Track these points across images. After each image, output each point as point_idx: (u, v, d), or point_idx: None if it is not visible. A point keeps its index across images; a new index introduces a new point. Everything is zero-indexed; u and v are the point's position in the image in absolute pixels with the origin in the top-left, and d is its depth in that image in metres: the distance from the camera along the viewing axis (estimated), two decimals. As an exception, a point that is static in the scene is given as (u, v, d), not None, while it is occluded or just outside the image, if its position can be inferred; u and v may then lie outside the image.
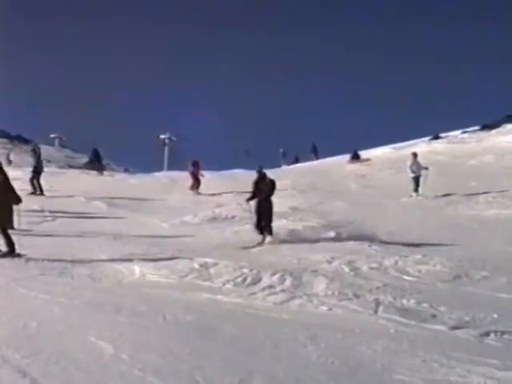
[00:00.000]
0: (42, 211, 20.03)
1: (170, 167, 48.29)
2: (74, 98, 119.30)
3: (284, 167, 45.88)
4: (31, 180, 24.46)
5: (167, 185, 30.37)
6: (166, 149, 52.39)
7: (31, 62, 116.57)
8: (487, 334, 8.13)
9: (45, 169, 27.11)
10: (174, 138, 53.37)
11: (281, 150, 57.18)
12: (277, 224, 18.10)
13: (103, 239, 15.52)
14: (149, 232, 16.90)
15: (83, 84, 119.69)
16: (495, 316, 9.11)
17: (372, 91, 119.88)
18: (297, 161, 50.97)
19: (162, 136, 53.31)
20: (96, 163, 30.50)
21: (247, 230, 17.55)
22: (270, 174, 18.26)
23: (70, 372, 5.39)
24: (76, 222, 18.58)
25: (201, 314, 8.59)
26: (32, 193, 23.83)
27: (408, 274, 12.15)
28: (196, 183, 26.88)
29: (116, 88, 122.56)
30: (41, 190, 24.24)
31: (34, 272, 11.35)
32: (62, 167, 50.85)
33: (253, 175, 18.11)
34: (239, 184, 27.55)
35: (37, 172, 24.72)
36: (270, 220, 16.70)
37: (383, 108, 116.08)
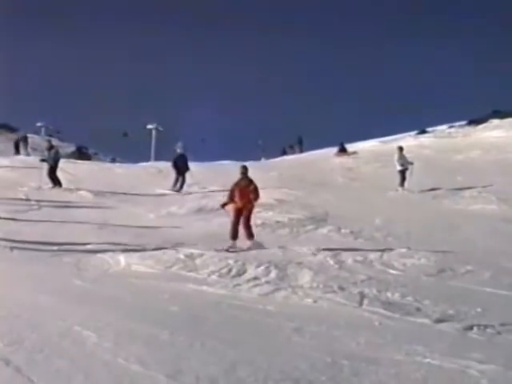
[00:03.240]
0: (28, 200, 19.95)
1: (157, 157, 48.17)
2: (61, 87, 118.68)
3: (263, 160, 45.20)
4: (49, 174, 24.26)
5: (154, 175, 30.30)
6: (153, 139, 52.22)
7: (17, 51, 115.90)
8: (470, 327, 8.19)
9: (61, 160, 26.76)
10: (161, 128, 53.14)
11: (259, 143, 56.17)
12: (263, 216, 18.12)
13: (89, 229, 15.49)
14: (135, 222, 16.86)
15: (71, 72, 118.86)
16: (479, 310, 9.18)
17: (359, 84, 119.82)
18: (284, 153, 50.60)
19: (149, 126, 53.08)
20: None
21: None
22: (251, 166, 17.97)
23: (53, 360, 5.38)
24: (62, 211, 18.51)
25: (186, 304, 8.61)
26: (53, 187, 23.70)
27: (393, 268, 12.21)
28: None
29: (103, 77, 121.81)
30: (59, 183, 24.05)
31: (18, 261, 11.32)
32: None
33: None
34: (227, 175, 27.54)
35: (53, 165, 24.52)
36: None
37: (370, 101, 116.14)
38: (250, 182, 15.11)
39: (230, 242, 14.05)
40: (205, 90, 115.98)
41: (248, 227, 14.57)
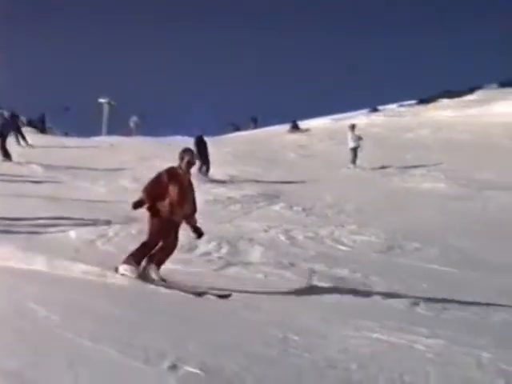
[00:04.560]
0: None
1: (110, 132, 47.59)
2: (15, 59, 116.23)
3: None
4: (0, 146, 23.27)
5: (106, 149, 29.97)
6: (105, 113, 51.49)
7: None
8: (417, 303, 8.36)
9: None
10: (113, 103, 52.38)
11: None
12: (214, 192, 18.10)
13: (40, 202, 15.29)
14: (86, 196, 16.69)
15: (23, 43, 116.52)
16: (425, 286, 9.38)
17: (310, 63, 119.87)
18: (237, 129, 50.47)
19: (101, 100, 52.28)
20: None
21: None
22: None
23: (3, 332, 5.34)
24: (11, 185, 18.21)
25: (137, 280, 8.55)
26: (4, 160, 22.79)
27: (343, 244, 12.37)
28: None
29: (55, 49, 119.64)
30: (8, 156, 23.10)
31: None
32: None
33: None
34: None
35: (2, 135, 23.59)
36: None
37: (321, 79, 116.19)
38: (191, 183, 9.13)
39: (132, 267, 8.42)
40: (155, 66, 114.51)
41: (172, 251, 8.95)
